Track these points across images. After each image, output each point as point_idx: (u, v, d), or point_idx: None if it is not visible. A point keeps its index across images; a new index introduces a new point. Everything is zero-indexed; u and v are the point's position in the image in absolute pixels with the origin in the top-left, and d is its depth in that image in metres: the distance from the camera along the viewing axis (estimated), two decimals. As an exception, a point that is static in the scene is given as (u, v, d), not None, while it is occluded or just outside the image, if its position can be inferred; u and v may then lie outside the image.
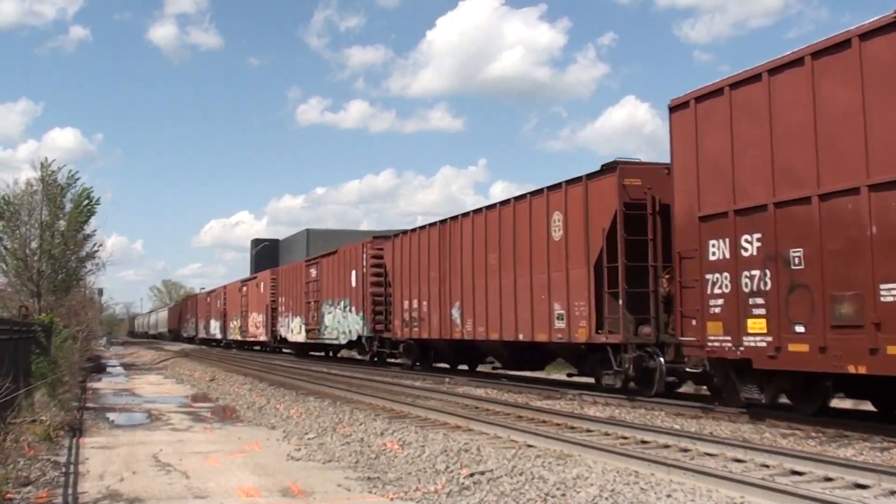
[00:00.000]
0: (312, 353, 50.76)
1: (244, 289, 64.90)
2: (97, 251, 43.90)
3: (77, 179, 41.17)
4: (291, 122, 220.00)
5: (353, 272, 39.14)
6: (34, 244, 39.29)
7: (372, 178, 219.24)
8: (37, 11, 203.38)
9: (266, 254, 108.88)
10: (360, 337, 38.47)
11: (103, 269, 46.60)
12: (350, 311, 39.39)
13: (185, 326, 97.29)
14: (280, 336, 53.93)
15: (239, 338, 65.97)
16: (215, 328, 75.98)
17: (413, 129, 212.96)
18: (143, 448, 14.56)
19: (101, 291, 72.73)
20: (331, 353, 49.11)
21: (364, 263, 38.05)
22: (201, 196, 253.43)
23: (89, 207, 40.96)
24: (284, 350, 56.44)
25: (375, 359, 38.75)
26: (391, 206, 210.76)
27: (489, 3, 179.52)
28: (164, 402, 23.83)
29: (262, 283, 59.11)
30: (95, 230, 43.02)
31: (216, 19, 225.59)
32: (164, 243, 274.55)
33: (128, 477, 11.82)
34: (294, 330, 50.04)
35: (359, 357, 43.98)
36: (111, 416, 20.05)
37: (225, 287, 74.68)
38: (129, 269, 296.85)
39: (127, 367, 46.93)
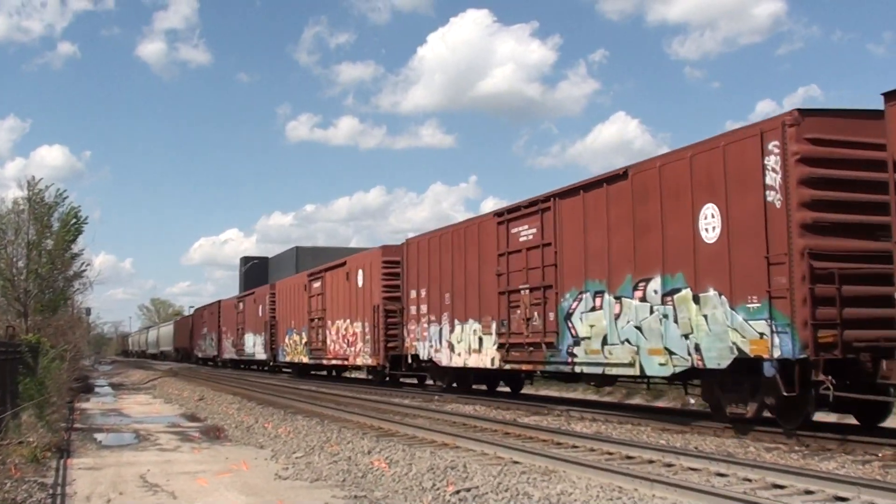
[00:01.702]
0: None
1: (316, 284, 43.30)
2: (84, 270, 43.91)
3: (65, 198, 41.14)
4: (281, 139, 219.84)
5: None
6: (21, 263, 39.12)
7: (362, 195, 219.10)
8: (24, 27, 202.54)
9: (255, 272, 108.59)
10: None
11: (91, 288, 46.63)
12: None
13: (199, 344, 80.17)
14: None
15: (306, 359, 45.07)
16: (254, 345, 57.21)
17: (403, 145, 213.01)
18: (130, 469, 14.59)
19: (88, 311, 72.67)
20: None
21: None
22: (190, 214, 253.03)
23: (77, 226, 40.90)
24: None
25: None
26: (382, 224, 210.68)
27: (480, 19, 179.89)
28: (152, 422, 23.85)
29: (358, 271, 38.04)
30: (83, 249, 43.00)
31: (205, 35, 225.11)
32: (152, 261, 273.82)
33: (115, 498, 11.87)
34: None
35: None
36: (99, 436, 20.07)
37: (273, 287, 54.51)
38: (118, 287, 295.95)
39: (115, 386, 46.89)
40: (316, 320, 42.55)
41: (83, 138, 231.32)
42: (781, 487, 11.10)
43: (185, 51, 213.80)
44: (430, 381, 32.50)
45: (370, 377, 38.32)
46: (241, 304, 61.57)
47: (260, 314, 54.83)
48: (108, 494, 12.13)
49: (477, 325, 25.94)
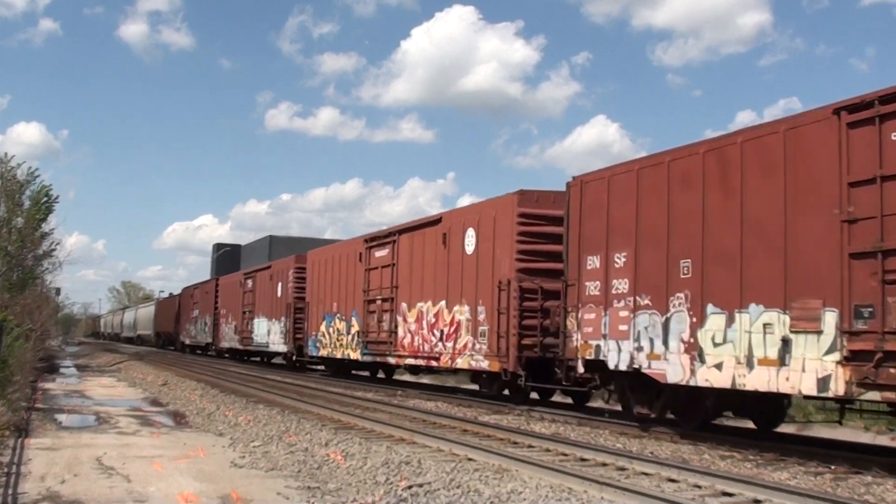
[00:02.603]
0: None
1: (381, 253, 31.63)
2: (55, 250, 43.79)
3: (37, 177, 41.05)
4: (260, 127, 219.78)
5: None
6: (-10, 240, 39.06)
7: (338, 186, 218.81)
8: (7, 2, 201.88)
9: (227, 259, 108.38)
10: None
11: (61, 268, 46.49)
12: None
13: (187, 329, 68.64)
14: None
15: (356, 354, 33.19)
16: (268, 333, 45.35)
17: (383, 138, 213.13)
18: (87, 451, 14.60)
19: (58, 291, 72.27)
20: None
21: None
22: (166, 197, 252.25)
23: (48, 205, 40.83)
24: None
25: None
26: (357, 216, 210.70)
27: (466, 16, 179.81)
28: (113, 405, 23.82)
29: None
30: (54, 228, 42.90)
31: (189, 19, 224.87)
32: (125, 244, 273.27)
33: (69, 479, 11.89)
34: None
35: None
36: (59, 417, 20.04)
37: (302, 260, 41.66)
38: (90, 268, 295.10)
39: (80, 368, 46.73)
40: (378, 302, 31.11)
41: (61, 117, 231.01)
42: (730, 496, 11.23)
43: (168, 34, 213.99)
44: (613, 405, 21.93)
45: (483, 389, 25.85)
46: (249, 282, 49.91)
47: (279, 294, 43.52)
48: (63, 475, 12.15)
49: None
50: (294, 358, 41.89)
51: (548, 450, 15.10)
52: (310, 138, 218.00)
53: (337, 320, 35.16)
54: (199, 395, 26.23)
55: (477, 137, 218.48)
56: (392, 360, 30.66)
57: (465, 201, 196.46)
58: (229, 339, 54.00)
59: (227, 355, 56.30)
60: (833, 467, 13.58)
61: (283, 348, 42.94)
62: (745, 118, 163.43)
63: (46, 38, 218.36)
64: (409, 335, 28.60)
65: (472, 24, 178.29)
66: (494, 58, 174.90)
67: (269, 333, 44.84)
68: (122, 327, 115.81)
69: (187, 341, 68.39)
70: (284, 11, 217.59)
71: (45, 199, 40.74)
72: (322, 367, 41.12)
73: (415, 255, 28.61)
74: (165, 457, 14.13)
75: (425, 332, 27.45)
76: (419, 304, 27.96)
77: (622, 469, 13.17)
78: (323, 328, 36.60)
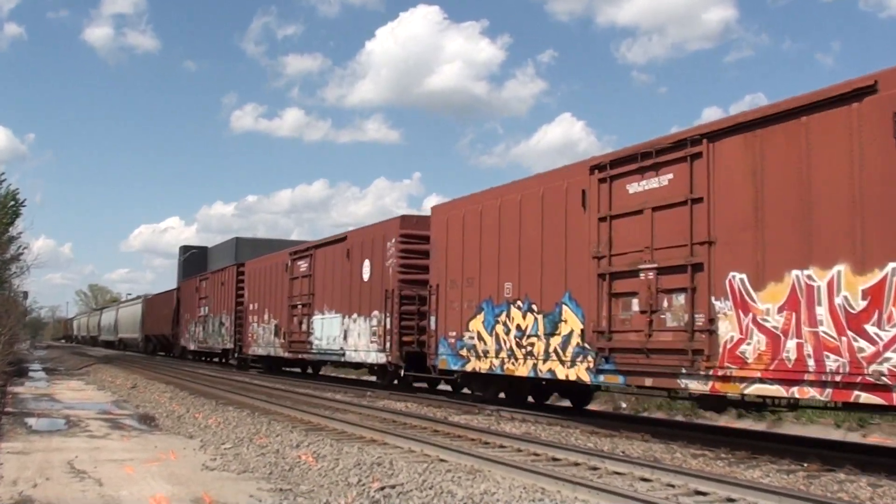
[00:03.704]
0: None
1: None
2: (22, 254, 43.51)
3: (3, 181, 40.77)
4: (226, 129, 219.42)
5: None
6: (-43, 245, 38.78)
7: (305, 187, 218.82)
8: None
9: (194, 261, 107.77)
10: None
11: (28, 272, 46.22)
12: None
13: (190, 331, 56.01)
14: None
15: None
16: (344, 335, 31.35)
17: (348, 139, 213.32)
18: (58, 454, 14.52)
19: (25, 294, 71.83)
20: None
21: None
22: (132, 200, 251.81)
23: (15, 209, 40.57)
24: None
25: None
26: (323, 217, 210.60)
27: (430, 16, 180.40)
28: (83, 408, 23.67)
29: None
30: (21, 232, 42.63)
31: (153, 21, 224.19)
32: (92, 247, 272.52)
33: (41, 483, 11.83)
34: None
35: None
36: (30, 421, 19.90)
37: (425, 222, 26.88)
38: (57, 272, 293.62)
39: (49, 371, 46.42)
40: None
41: (27, 121, 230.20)
42: (704, 494, 11.25)
43: (133, 36, 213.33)
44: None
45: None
46: (303, 264, 35.79)
47: (365, 276, 29.89)
48: (35, 479, 12.08)
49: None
50: (401, 373, 27.86)
51: (519, 450, 15.11)
52: (275, 139, 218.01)
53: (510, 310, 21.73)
54: (168, 398, 26.11)
55: (442, 137, 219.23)
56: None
57: (431, 201, 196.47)
58: (266, 344, 40.11)
59: (258, 366, 44.54)
60: (805, 465, 13.61)
61: (376, 357, 28.98)
62: (711, 114, 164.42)
63: (11, 43, 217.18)
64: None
65: (437, 23, 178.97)
66: (459, 57, 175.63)
67: (345, 335, 31.16)
68: (100, 330, 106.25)
69: (192, 346, 55.45)
70: (249, 13, 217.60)
71: (13, 203, 40.48)
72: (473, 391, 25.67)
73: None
74: (137, 460, 14.06)
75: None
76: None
77: (594, 468, 13.19)
78: (472, 324, 22.73)
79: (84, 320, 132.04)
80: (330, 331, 32.44)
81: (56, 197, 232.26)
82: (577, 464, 13.63)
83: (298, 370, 43.31)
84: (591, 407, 24.21)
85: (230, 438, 16.61)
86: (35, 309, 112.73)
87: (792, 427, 20.40)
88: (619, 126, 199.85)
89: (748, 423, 20.77)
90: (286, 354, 37.60)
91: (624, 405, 24.39)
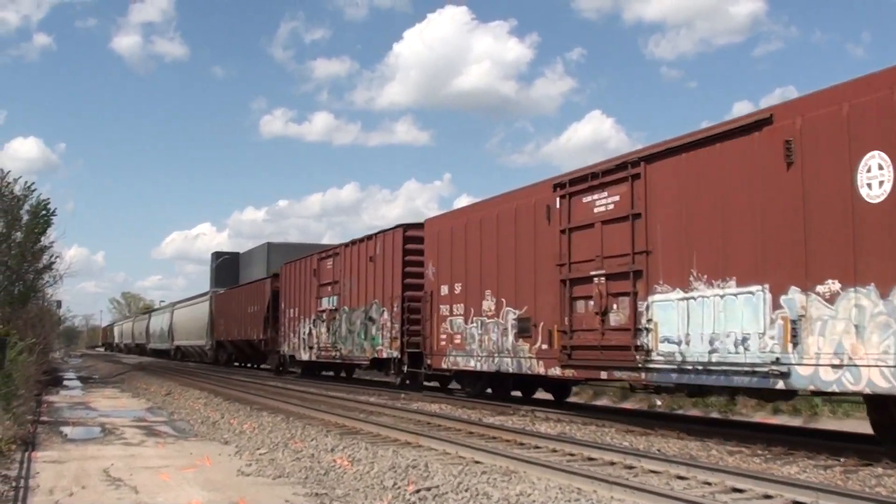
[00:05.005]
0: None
1: None
2: (54, 263, 43.65)
3: (34, 191, 40.90)
4: (255, 134, 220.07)
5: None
6: (-10, 255, 38.90)
7: (335, 191, 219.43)
8: (1, 19, 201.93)
9: (226, 267, 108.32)
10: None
11: (61, 281, 46.30)
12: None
13: (301, 334, 39.96)
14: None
15: None
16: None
17: (378, 142, 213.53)
18: (94, 462, 14.57)
19: (59, 304, 72.12)
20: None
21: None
22: (163, 207, 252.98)
23: (46, 218, 40.72)
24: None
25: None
26: (354, 220, 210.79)
27: (458, 16, 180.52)
28: (118, 415, 23.77)
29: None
30: (53, 242, 42.76)
31: (182, 28, 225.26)
32: (124, 255, 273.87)
33: (77, 492, 11.86)
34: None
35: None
36: (65, 429, 20.00)
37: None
38: (90, 280, 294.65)
39: (84, 380, 46.67)
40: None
41: (58, 131, 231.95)
42: (741, 491, 11.18)
43: (161, 44, 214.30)
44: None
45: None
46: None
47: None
48: (71, 488, 12.12)
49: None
50: None
51: (554, 450, 15.06)
52: (305, 144, 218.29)
53: None
54: (203, 404, 26.19)
55: (472, 137, 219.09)
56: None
57: (461, 202, 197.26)
58: (475, 355, 24.43)
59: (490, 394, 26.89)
60: (842, 460, 13.55)
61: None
62: (742, 108, 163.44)
63: (41, 53, 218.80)
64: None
65: (465, 24, 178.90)
66: (488, 57, 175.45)
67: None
68: (149, 336, 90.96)
69: (304, 355, 40.02)
70: (276, 18, 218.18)
71: (44, 212, 40.62)
72: None
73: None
74: (172, 467, 14.09)
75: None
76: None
77: (630, 468, 13.13)
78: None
79: (127, 326, 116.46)
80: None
81: (88, 205, 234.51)
82: (612, 463, 13.56)
83: (332, 373, 43.35)
84: (626, 405, 24.15)
85: (265, 443, 16.63)
86: (69, 318, 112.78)
87: (828, 422, 20.25)
88: (648, 122, 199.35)
89: (784, 419, 20.67)
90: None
91: (659, 403, 24.26)
